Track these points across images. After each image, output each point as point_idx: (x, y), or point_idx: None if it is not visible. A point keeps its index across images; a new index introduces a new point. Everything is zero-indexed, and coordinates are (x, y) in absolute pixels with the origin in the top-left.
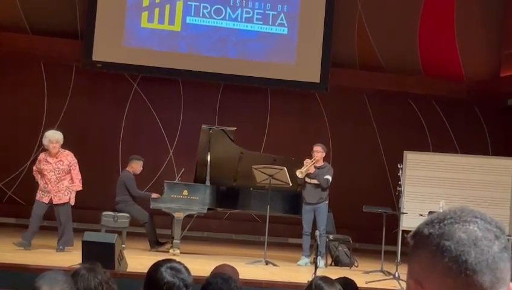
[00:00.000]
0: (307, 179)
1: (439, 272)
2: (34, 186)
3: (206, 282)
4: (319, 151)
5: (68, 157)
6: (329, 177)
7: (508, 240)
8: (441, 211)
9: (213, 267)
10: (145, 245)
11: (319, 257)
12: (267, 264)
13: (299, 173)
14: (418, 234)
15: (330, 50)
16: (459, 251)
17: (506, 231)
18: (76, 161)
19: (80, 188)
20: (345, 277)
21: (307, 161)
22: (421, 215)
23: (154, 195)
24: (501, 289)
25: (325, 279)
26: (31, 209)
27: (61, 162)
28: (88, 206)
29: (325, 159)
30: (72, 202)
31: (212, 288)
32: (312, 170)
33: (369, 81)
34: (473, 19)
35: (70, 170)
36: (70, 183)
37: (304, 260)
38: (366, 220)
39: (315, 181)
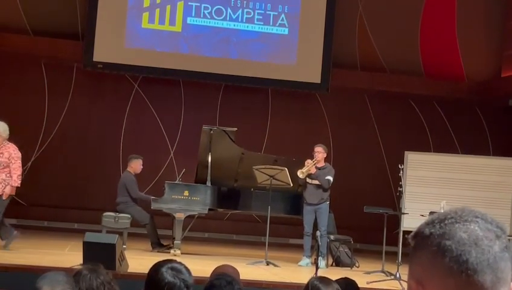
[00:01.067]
0: (308, 180)
1: (440, 272)
2: (36, 187)
3: (209, 284)
4: (320, 152)
5: (9, 150)
6: (331, 178)
7: (510, 240)
8: (442, 211)
9: (214, 268)
10: (146, 246)
11: (320, 258)
12: (268, 264)
13: (300, 173)
14: (418, 234)
15: (331, 50)
16: (460, 250)
17: (507, 231)
18: (18, 155)
19: (16, 184)
20: (345, 277)
21: (308, 162)
22: (422, 215)
23: (153, 197)
24: (502, 288)
25: (322, 279)
26: (32, 210)
27: (1, 155)
28: (89, 207)
29: (326, 159)
30: (4, 197)
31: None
32: (313, 170)
33: (370, 81)
34: (474, 19)
35: (10, 163)
36: (8, 177)
37: (305, 261)
38: (367, 221)
39: (316, 182)
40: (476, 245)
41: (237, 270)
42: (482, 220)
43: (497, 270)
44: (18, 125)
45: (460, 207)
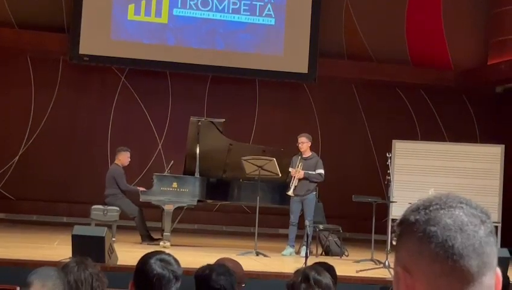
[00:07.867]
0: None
1: (426, 258)
2: (24, 181)
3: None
4: (304, 142)
5: None
6: (322, 171)
7: (496, 226)
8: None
9: (204, 259)
10: (136, 238)
11: (303, 246)
12: (257, 255)
13: (291, 193)
14: (404, 221)
15: (318, 40)
16: (446, 236)
17: (491, 217)
18: None
19: None
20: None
21: (292, 172)
22: (411, 203)
23: (141, 189)
24: (488, 273)
25: (316, 268)
26: (21, 205)
27: None
28: (77, 200)
29: (314, 149)
30: None
31: (206, 276)
32: (301, 175)
33: (357, 70)
34: (460, 7)
35: None
36: None
37: (289, 250)
38: (356, 210)
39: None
40: (461, 230)
41: (239, 263)
42: (466, 205)
43: (482, 255)
44: (5, 119)
45: (445, 193)
